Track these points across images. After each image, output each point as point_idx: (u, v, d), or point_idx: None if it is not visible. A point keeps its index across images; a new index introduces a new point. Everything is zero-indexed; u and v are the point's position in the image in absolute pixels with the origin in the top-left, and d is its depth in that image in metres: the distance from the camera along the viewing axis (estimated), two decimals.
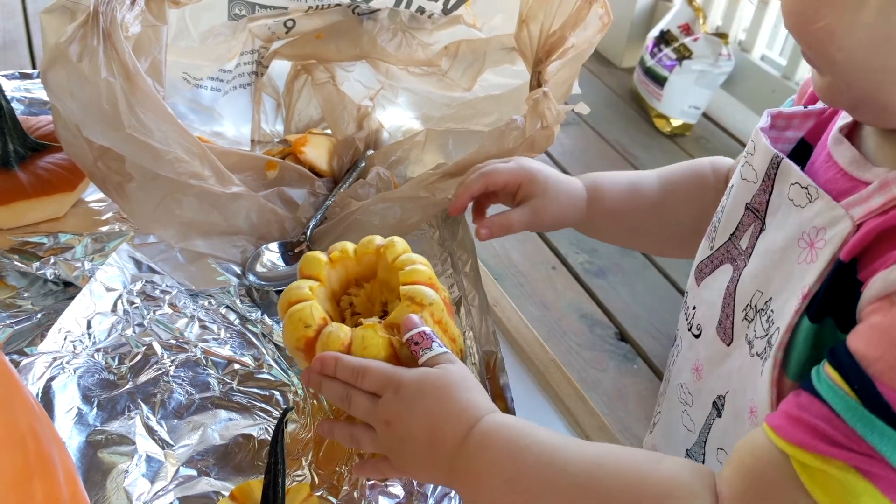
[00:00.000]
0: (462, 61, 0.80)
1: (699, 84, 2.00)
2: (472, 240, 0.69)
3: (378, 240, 0.53)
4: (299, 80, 0.82)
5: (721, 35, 2.00)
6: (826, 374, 0.37)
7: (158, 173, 0.56)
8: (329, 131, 0.81)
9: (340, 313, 0.53)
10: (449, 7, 0.77)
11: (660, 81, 2.03)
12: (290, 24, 0.78)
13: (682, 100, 2.02)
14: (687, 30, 2.03)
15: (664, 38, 2.06)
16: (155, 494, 0.46)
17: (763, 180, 0.45)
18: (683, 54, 2.00)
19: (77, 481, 0.31)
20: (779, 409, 0.39)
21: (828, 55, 0.39)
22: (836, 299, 0.39)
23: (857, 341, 0.36)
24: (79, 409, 0.50)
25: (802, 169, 0.44)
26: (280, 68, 0.82)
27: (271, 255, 0.63)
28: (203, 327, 0.57)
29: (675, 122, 2.06)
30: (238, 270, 0.62)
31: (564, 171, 1.91)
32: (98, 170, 0.57)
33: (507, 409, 0.53)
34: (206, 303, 0.59)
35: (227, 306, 0.59)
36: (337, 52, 0.80)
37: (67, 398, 0.51)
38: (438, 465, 0.44)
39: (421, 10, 0.77)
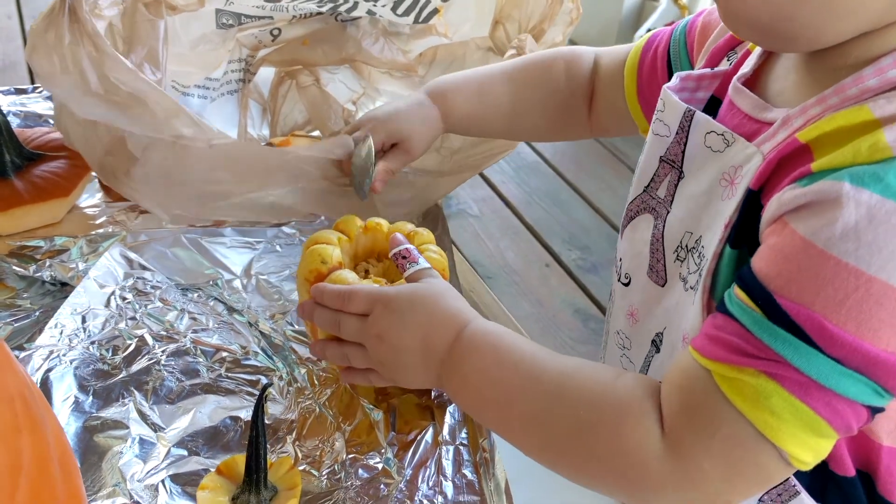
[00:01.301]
0: (440, 64, 0.83)
1: None
2: (451, 238, 0.72)
3: (409, 226, 0.57)
4: (283, 86, 0.85)
5: None
6: (735, 296, 0.41)
7: (154, 139, 0.59)
8: (314, 133, 0.85)
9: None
10: (420, 20, 0.81)
11: None
12: (276, 32, 0.82)
13: None
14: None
15: None
16: (148, 473, 0.49)
17: (677, 133, 0.49)
18: None
19: (66, 443, 0.34)
20: (700, 331, 0.43)
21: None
22: (748, 226, 0.43)
23: (759, 261, 0.41)
24: (76, 397, 0.53)
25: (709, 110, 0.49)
26: (264, 75, 0.85)
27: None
28: (192, 319, 0.60)
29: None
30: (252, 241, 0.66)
31: (558, 174, 1.95)
32: (108, 162, 0.61)
33: None
34: (195, 296, 0.62)
35: (216, 298, 0.62)
36: (323, 57, 0.84)
37: (65, 388, 0.53)
38: (430, 369, 0.48)
39: (393, 24, 0.81)
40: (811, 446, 0.40)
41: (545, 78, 0.68)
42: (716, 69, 0.52)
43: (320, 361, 0.57)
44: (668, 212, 0.50)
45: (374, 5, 0.78)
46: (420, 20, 0.80)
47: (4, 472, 0.28)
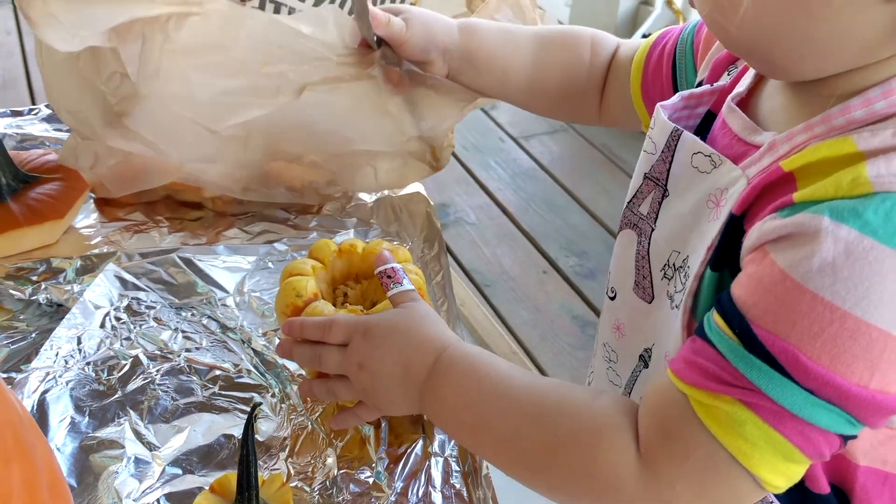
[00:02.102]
0: None
1: None
2: (447, 257, 0.73)
3: (385, 244, 0.57)
4: None
5: None
6: (714, 322, 0.42)
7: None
8: None
9: (333, 300, 0.57)
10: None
11: None
12: None
13: None
14: None
15: None
16: (143, 492, 0.50)
17: (663, 151, 0.50)
18: None
19: (57, 469, 0.35)
20: (678, 353, 0.44)
21: (730, 20, 0.43)
22: (730, 250, 0.44)
23: (738, 289, 0.41)
24: (72, 418, 0.54)
25: (706, 136, 0.49)
26: None
27: None
28: (186, 338, 0.61)
29: None
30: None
31: (555, 179, 1.96)
32: (110, 110, 0.61)
33: None
34: (188, 314, 0.63)
35: (209, 316, 0.63)
36: None
37: (61, 409, 0.54)
38: (410, 394, 0.49)
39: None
40: (783, 472, 0.41)
41: (572, 51, 0.68)
42: (716, 84, 0.52)
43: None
44: (653, 229, 0.51)
45: None
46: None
47: None
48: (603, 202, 1.86)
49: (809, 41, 0.41)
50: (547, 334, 1.50)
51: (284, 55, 0.64)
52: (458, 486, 0.51)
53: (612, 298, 0.56)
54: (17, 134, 0.81)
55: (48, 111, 0.85)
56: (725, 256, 0.44)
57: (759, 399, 0.39)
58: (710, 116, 0.52)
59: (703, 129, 0.51)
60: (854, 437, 0.41)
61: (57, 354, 0.58)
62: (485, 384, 0.47)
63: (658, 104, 0.51)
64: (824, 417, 0.39)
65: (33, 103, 1.92)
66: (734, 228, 0.44)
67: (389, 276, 0.52)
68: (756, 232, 0.41)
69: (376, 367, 0.49)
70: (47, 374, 0.56)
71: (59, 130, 0.82)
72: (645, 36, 0.66)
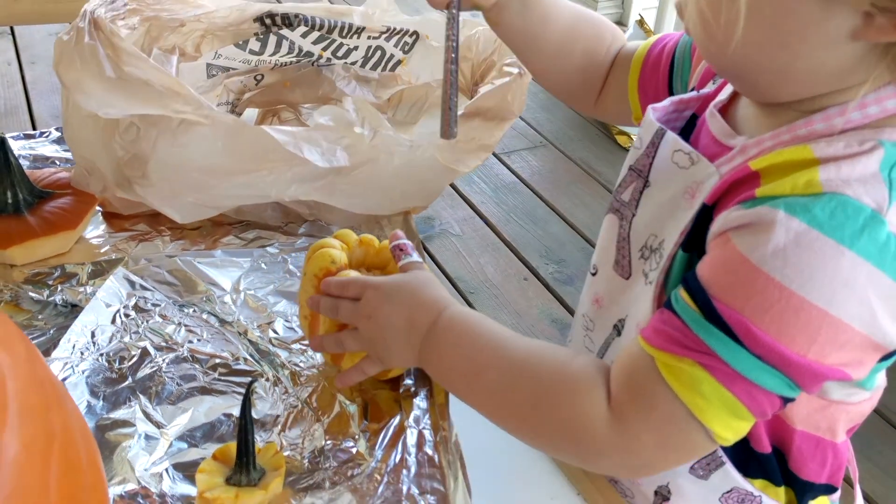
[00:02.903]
0: (405, 104, 0.93)
1: None
2: (428, 259, 0.81)
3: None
4: (266, 121, 0.94)
5: None
6: (680, 296, 0.48)
7: (162, 129, 0.68)
8: None
9: None
10: (387, 70, 0.90)
11: None
12: (259, 77, 0.91)
13: None
14: None
15: None
16: (153, 463, 0.56)
17: (647, 147, 0.57)
18: None
19: (84, 422, 0.42)
20: (649, 323, 0.50)
21: (722, 51, 0.49)
22: (699, 235, 0.51)
23: (703, 268, 0.48)
24: (88, 402, 0.61)
25: (689, 135, 0.56)
26: (249, 112, 0.94)
27: None
28: (189, 331, 0.68)
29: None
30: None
31: (535, 192, 2.03)
32: (123, 171, 0.70)
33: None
34: (190, 311, 0.70)
35: (209, 312, 0.70)
36: (302, 97, 0.93)
37: (78, 394, 0.61)
38: (413, 346, 0.57)
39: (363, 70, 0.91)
40: (732, 427, 0.47)
41: (598, 34, 0.70)
42: (702, 91, 0.59)
43: (301, 364, 0.65)
44: (634, 215, 0.57)
45: (346, 63, 0.88)
46: (387, 70, 0.90)
47: (41, 441, 0.36)
48: (580, 213, 1.94)
49: (788, 72, 0.47)
50: (528, 337, 1.57)
51: (276, 158, 0.71)
52: (430, 452, 0.58)
53: (594, 274, 0.62)
54: (30, 154, 0.88)
55: (57, 134, 0.92)
56: (695, 240, 0.51)
57: (715, 362, 0.45)
58: (693, 118, 0.59)
59: (687, 129, 0.58)
60: (792, 399, 0.47)
61: (73, 347, 0.65)
62: (480, 340, 0.55)
63: (650, 106, 0.58)
64: (769, 380, 0.45)
65: (34, 129, 1.99)
66: (705, 216, 0.50)
67: (401, 250, 0.61)
68: (722, 219, 0.47)
69: (383, 320, 0.57)
70: (65, 363, 0.63)
71: (69, 151, 0.89)
72: None
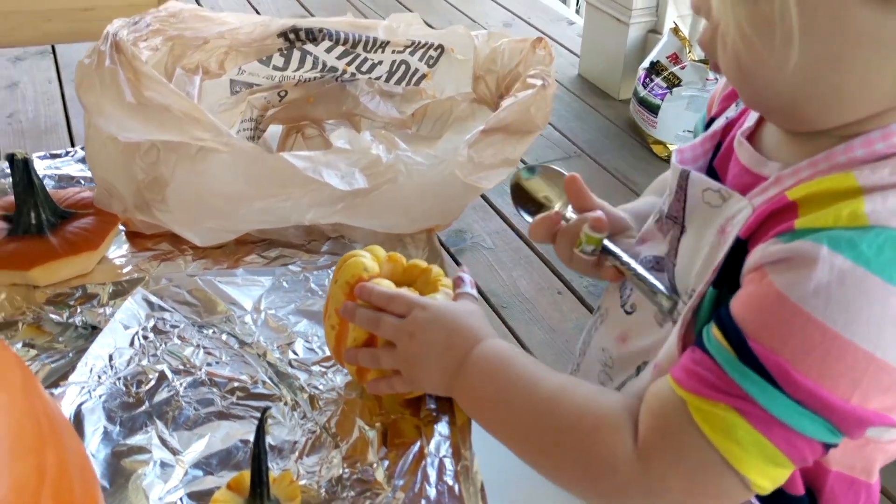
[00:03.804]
0: (430, 118, 0.91)
1: (690, 109, 2.08)
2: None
3: (422, 263, 0.64)
4: (290, 138, 0.93)
5: (706, 62, 2.09)
6: (713, 334, 0.45)
7: (182, 155, 0.67)
8: None
9: None
10: (412, 84, 0.89)
11: (653, 110, 2.11)
12: (283, 93, 0.91)
13: (675, 125, 2.10)
14: (675, 59, 2.12)
15: (654, 69, 2.15)
16: (168, 491, 0.55)
17: (676, 192, 0.55)
18: (673, 82, 2.09)
19: (86, 457, 0.40)
20: (679, 362, 0.47)
21: (772, 83, 0.46)
22: (731, 269, 0.48)
23: (737, 305, 0.45)
24: (104, 427, 0.60)
25: (713, 161, 0.54)
26: (273, 130, 0.93)
27: None
28: (207, 353, 0.66)
29: (672, 147, 2.13)
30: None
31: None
32: (142, 194, 0.70)
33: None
34: (209, 332, 0.68)
35: (228, 333, 0.68)
36: (326, 113, 0.92)
37: (94, 419, 0.60)
38: (446, 371, 0.56)
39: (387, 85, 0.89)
40: (770, 475, 0.44)
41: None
42: (726, 115, 0.57)
43: (320, 387, 0.63)
44: (674, 265, 0.55)
45: (370, 77, 0.87)
46: (411, 84, 0.89)
47: (32, 476, 0.34)
48: None
49: (840, 93, 0.44)
50: (562, 353, 1.53)
51: (295, 183, 0.71)
52: (450, 482, 0.55)
53: (629, 313, 0.60)
54: (55, 175, 0.88)
55: (83, 153, 0.92)
56: (726, 275, 0.48)
57: (751, 407, 0.43)
58: (719, 145, 0.57)
59: (715, 156, 0.56)
60: (835, 445, 0.44)
61: (91, 370, 0.64)
62: (512, 373, 0.53)
63: (676, 148, 0.57)
64: (809, 426, 0.42)
65: (72, 146, 2.03)
66: (738, 250, 0.48)
67: (462, 280, 0.61)
68: (758, 253, 0.45)
69: (424, 339, 0.56)
70: (82, 388, 0.62)
71: None
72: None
